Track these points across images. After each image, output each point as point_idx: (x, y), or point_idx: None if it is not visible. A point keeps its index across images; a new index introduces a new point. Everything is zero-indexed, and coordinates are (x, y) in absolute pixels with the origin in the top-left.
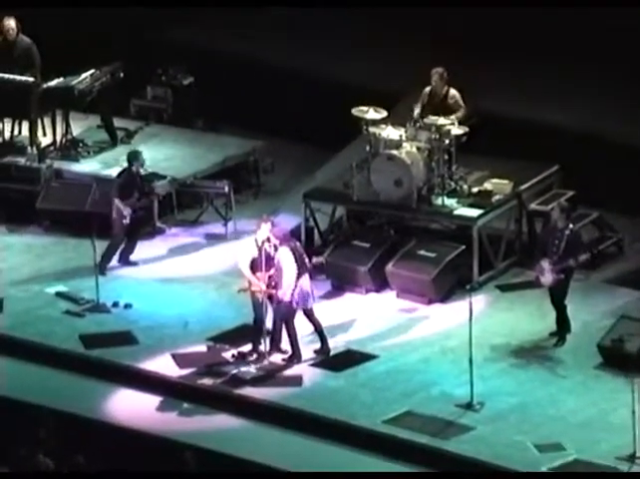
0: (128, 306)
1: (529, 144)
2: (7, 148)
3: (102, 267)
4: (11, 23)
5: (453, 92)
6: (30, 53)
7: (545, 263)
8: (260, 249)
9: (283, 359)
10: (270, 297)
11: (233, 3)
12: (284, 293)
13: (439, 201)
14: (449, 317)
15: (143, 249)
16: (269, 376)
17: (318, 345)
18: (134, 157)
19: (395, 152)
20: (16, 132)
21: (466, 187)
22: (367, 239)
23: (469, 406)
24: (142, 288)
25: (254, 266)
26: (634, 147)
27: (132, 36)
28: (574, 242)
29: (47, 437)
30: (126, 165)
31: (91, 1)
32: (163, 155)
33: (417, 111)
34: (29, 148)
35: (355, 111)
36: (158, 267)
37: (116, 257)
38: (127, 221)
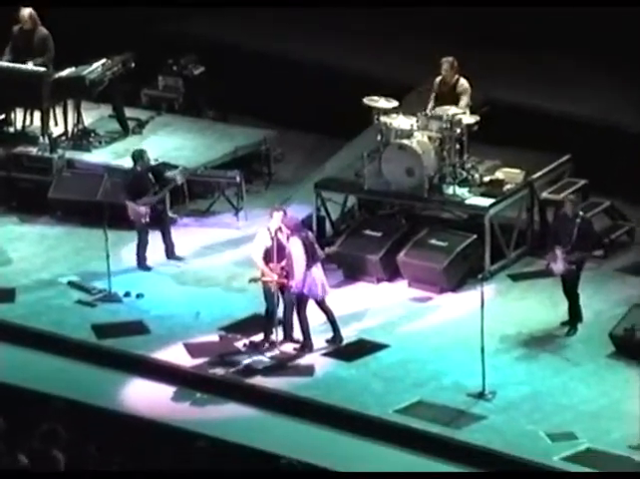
0: (139, 296)
1: (541, 133)
2: (19, 138)
3: (141, 264)
4: (30, 12)
5: (462, 81)
6: (47, 44)
7: (559, 251)
8: (273, 239)
9: (295, 349)
10: (282, 287)
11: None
12: (296, 284)
13: (450, 190)
14: (460, 307)
15: (154, 239)
16: (281, 366)
17: (330, 335)
18: (138, 156)
19: (406, 141)
20: (28, 122)
21: (477, 176)
22: (378, 228)
23: (480, 396)
24: (154, 278)
25: (267, 257)
26: None
27: (143, 26)
28: (586, 230)
29: (59, 428)
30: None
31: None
32: (175, 144)
33: (430, 105)
34: (41, 138)
35: (366, 100)
36: None
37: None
38: (146, 219)
